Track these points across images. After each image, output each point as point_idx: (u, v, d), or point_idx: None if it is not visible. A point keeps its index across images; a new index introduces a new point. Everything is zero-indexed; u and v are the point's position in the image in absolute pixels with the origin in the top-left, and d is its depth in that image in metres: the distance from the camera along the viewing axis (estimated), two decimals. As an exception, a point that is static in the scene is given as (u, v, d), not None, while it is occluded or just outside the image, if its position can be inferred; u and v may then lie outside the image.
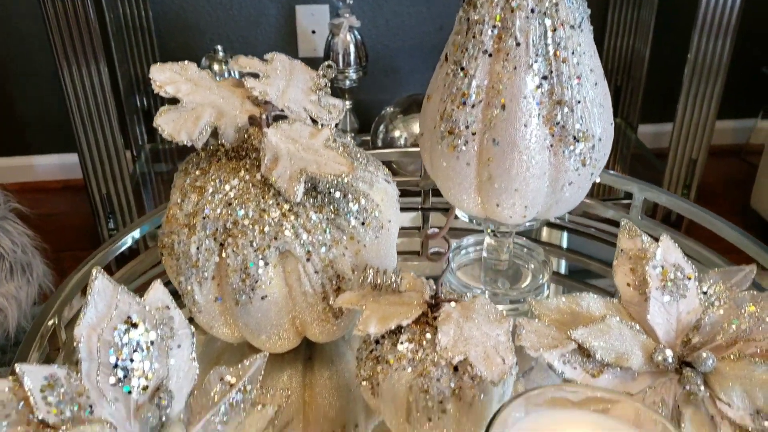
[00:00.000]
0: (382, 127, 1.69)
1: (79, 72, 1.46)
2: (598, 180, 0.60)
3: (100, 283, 0.46)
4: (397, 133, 1.68)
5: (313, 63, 0.59)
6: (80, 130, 1.51)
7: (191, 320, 0.55)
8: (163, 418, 0.47)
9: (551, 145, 0.54)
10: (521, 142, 0.53)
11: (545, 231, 0.80)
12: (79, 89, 1.48)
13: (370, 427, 0.57)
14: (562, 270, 0.74)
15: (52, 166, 2.02)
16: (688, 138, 1.66)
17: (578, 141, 0.54)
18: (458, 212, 0.64)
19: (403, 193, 0.82)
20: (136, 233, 0.70)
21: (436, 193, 0.83)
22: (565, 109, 0.53)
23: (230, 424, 0.50)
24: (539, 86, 0.53)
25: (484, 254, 0.69)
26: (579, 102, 0.53)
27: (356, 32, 1.69)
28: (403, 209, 0.83)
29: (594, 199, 0.75)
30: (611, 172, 0.73)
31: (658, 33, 1.87)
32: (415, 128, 1.59)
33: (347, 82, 1.71)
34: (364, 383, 0.50)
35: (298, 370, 0.62)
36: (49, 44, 1.43)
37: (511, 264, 0.69)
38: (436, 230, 0.45)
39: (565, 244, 0.78)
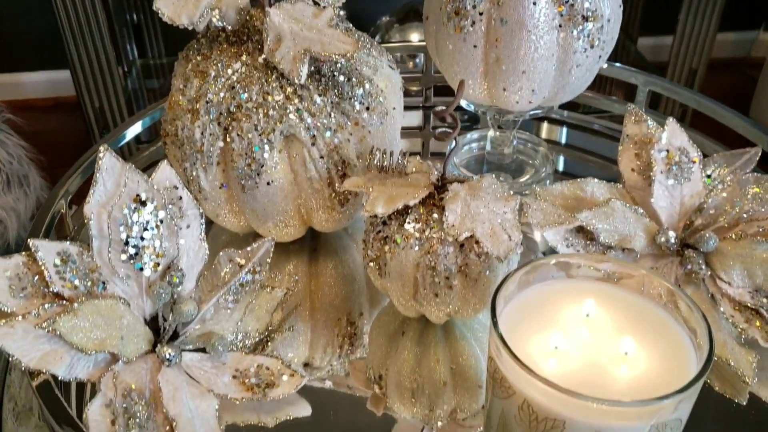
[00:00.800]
0: (377, 38, 1.66)
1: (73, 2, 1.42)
2: (605, 66, 0.59)
3: (108, 160, 0.45)
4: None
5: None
6: (71, 46, 1.48)
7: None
8: (175, 296, 0.48)
9: (560, 25, 0.53)
10: (530, 21, 0.52)
11: (546, 128, 0.79)
12: (69, 3, 1.44)
13: (374, 314, 0.58)
14: (563, 167, 0.75)
15: (41, 83, 1.99)
16: (688, 51, 1.64)
17: (587, 20, 0.53)
18: (463, 102, 0.64)
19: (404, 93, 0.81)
20: (138, 126, 0.70)
21: (439, 92, 0.83)
22: (574, -13, 0.52)
23: (240, 303, 0.50)
24: (548, -37, 0.51)
25: (488, 148, 0.69)
26: (588, -21, 0.52)
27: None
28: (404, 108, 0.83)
29: (598, 94, 0.75)
30: (616, 64, 0.73)
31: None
32: (413, 37, 1.56)
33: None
34: (371, 264, 0.51)
35: (304, 260, 0.63)
36: None
37: (514, 158, 0.69)
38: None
39: (564, 141, 0.78)
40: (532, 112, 0.62)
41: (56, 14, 1.44)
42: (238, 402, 0.47)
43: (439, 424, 0.49)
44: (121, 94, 1.56)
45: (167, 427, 0.44)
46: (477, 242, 0.47)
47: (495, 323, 0.38)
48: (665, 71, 1.67)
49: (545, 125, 0.79)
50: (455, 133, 0.47)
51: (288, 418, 0.49)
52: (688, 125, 0.71)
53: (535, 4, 0.52)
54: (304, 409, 0.50)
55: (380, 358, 0.54)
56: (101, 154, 0.45)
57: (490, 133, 0.67)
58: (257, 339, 0.52)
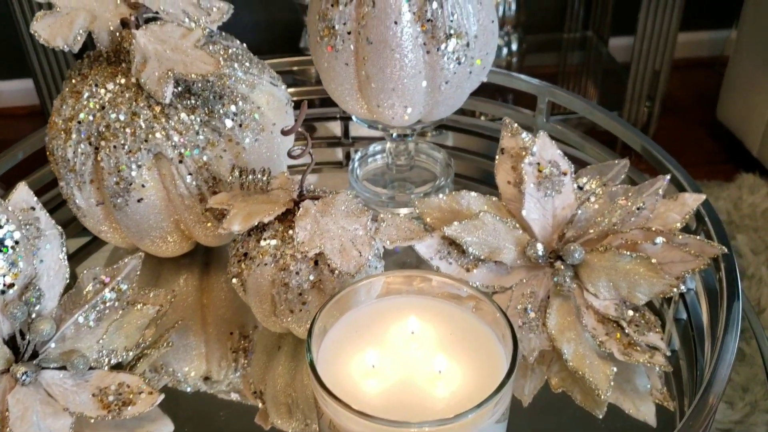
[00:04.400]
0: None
1: (30, 5, 1.43)
2: (485, 80, 0.60)
3: (-42, 184, 0.46)
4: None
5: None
6: (33, 57, 1.49)
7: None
8: (33, 315, 0.48)
9: (424, 43, 0.54)
10: (393, 39, 0.53)
11: (452, 136, 0.80)
12: (29, 16, 1.45)
13: (266, 331, 0.59)
14: (469, 174, 0.75)
15: (12, 92, 2.00)
16: (650, 51, 1.64)
17: (450, 38, 0.53)
18: (354, 118, 0.64)
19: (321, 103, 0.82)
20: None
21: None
22: (435, 5, 0.52)
23: (104, 321, 0.51)
24: (407, -19, 0.52)
25: (388, 160, 0.70)
26: (449, -3, 0.52)
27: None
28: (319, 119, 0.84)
29: (504, 104, 0.75)
30: (517, 75, 0.73)
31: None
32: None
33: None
34: (234, 280, 0.52)
35: (195, 274, 0.64)
36: None
37: (413, 168, 0.70)
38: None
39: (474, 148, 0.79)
40: (418, 126, 0.62)
41: (14, 23, 1.45)
42: (93, 420, 0.48)
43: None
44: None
45: (13, 446, 0.45)
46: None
47: (308, 346, 0.39)
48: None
49: (452, 133, 0.80)
50: (307, 149, 0.48)
51: (149, 433, 0.50)
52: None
53: (396, 23, 0.52)
54: (165, 426, 0.50)
55: (260, 373, 0.55)
56: (-49, 178, 0.46)
57: (388, 144, 0.67)
58: (126, 356, 0.52)
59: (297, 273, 0.48)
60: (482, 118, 0.89)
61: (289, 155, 0.48)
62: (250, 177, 0.51)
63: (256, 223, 0.49)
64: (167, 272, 0.63)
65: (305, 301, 0.49)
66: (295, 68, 0.85)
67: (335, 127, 0.84)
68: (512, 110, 0.75)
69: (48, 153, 0.58)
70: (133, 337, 0.53)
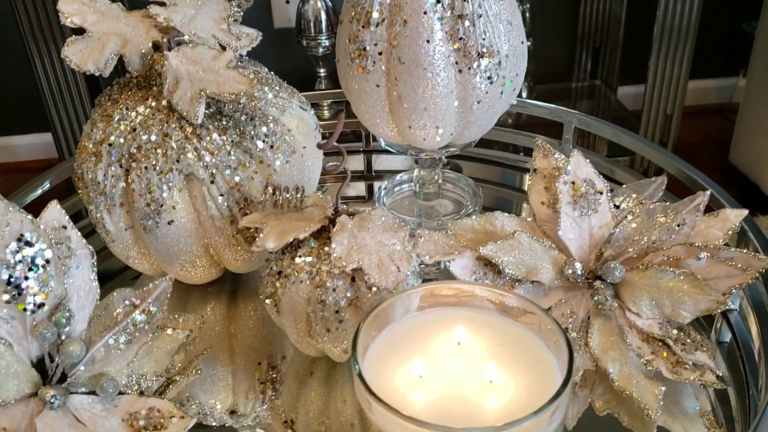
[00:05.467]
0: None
1: (49, 54, 1.46)
2: (514, 102, 0.60)
3: (-9, 201, 0.46)
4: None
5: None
6: (53, 111, 1.51)
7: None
8: (63, 336, 0.47)
9: (456, 62, 0.54)
10: (425, 58, 0.53)
11: (475, 167, 0.79)
12: (50, 71, 1.48)
13: (297, 357, 0.57)
14: (494, 204, 0.74)
15: (32, 145, 2.02)
16: (660, 99, 1.65)
17: (482, 57, 0.53)
18: (383, 143, 0.64)
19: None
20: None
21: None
22: (467, 23, 0.52)
23: (134, 345, 0.50)
24: (439, 1, 0.52)
25: (415, 188, 0.69)
26: (481, 16, 0.53)
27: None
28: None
29: (525, 133, 0.75)
30: (541, 103, 0.73)
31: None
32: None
33: (320, 50, 1.70)
34: (267, 301, 0.51)
35: (223, 302, 0.62)
36: (17, 25, 1.42)
37: (440, 196, 0.69)
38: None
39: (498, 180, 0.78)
40: (449, 150, 0.62)
41: (37, 80, 1.47)
42: (123, 445, 0.46)
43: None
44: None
45: (40, 471, 0.43)
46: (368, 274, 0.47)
47: (354, 357, 0.37)
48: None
49: (474, 165, 0.80)
50: (342, 164, 0.47)
51: (178, 460, 0.48)
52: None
53: (428, 42, 0.52)
54: (196, 451, 0.48)
55: (291, 401, 0.53)
56: (-17, 195, 0.45)
57: (416, 172, 0.67)
58: (155, 381, 0.51)
59: (334, 290, 0.47)
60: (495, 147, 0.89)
61: (324, 170, 0.47)
62: (284, 195, 0.50)
63: (291, 240, 0.48)
64: (194, 300, 0.62)
65: (342, 319, 0.47)
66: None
67: (358, 163, 0.84)
68: (535, 137, 0.75)
69: (76, 179, 0.57)
70: (163, 362, 0.51)
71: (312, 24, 1.68)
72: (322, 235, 0.49)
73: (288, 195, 0.50)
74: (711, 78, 2.09)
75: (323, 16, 1.69)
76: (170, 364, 0.52)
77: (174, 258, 0.56)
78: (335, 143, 0.46)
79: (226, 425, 0.52)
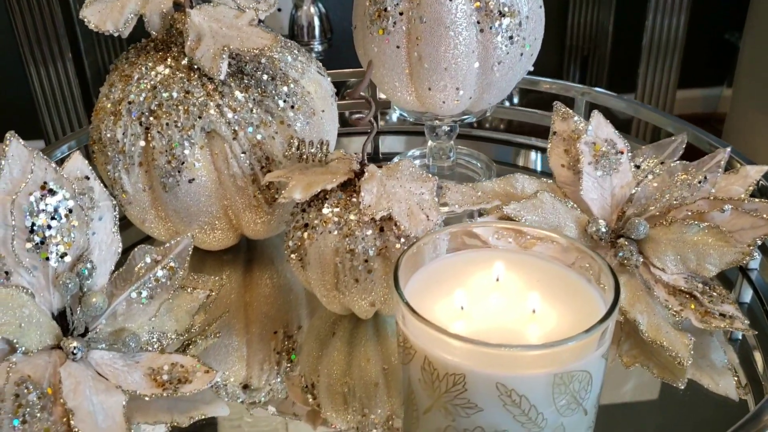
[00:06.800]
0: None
1: (46, 69, 1.45)
2: (531, 69, 0.60)
3: (15, 147, 0.45)
4: (362, 102, 1.67)
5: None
6: (47, 119, 1.50)
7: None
8: (84, 288, 0.46)
9: (478, 21, 0.54)
10: (447, 17, 0.53)
11: (491, 147, 0.79)
12: (45, 78, 1.47)
13: (318, 321, 0.56)
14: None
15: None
16: (650, 104, 1.68)
17: (504, 16, 0.54)
18: (397, 112, 0.64)
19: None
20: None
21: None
22: (489, -18, 0.53)
23: (155, 300, 0.49)
24: (461, -41, 0.52)
25: (429, 161, 0.69)
26: (503, -24, 0.53)
27: (320, 5, 1.69)
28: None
29: (531, 111, 0.76)
30: (550, 80, 0.74)
31: (621, 5, 1.88)
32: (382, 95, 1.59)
33: (314, 55, 1.71)
34: (292, 256, 0.50)
35: (239, 271, 0.61)
36: (12, 32, 1.41)
37: (454, 170, 0.69)
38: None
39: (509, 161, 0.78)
40: (464, 118, 0.62)
41: (33, 94, 1.46)
42: (148, 398, 0.44)
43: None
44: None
45: (65, 420, 0.41)
46: (396, 224, 0.46)
47: (395, 280, 0.37)
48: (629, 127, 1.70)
49: (490, 145, 0.80)
50: (370, 113, 0.47)
51: (203, 417, 0.47)
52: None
53: (451, 0, 0.53)
54: (221, 409, 0.47)
55: (312, 364, 0.52)
56: (7, 141, 0.45)
57: (429, 143, 0.67)
58: (175, 341, 0.50)
59: (363, 239, 0.46)
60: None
61: (351, 121, 0.47)
62: (309, 149, 0.50)
63: (318, 191, 0.47)
64: (210, 268, 0.61)
65: (371, 268, 0.47)
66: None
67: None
68: (542, 115, 0.75)
69: (91, 142, 0.56)
70: (184, 322, 0.50)
71: (305, 30, 1.69)
72: (348, 187, 0.48)
73: (313, 149, 0.50)
74: (696, 88, 2.13)
75: (317, 22, 1.69)
76: (190, 324, 0.51)
77: (193, 219, 0.55)
78: (362, 93, 0.46)
79: (239, 401, 0.50)
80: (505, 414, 0.34)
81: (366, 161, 0.49)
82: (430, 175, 0.48)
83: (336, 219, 0.47)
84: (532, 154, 0.77)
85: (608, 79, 1.99)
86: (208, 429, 0.47)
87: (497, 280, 0.40)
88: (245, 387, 0.52)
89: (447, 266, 0.41)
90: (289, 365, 0.53)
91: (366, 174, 0.47)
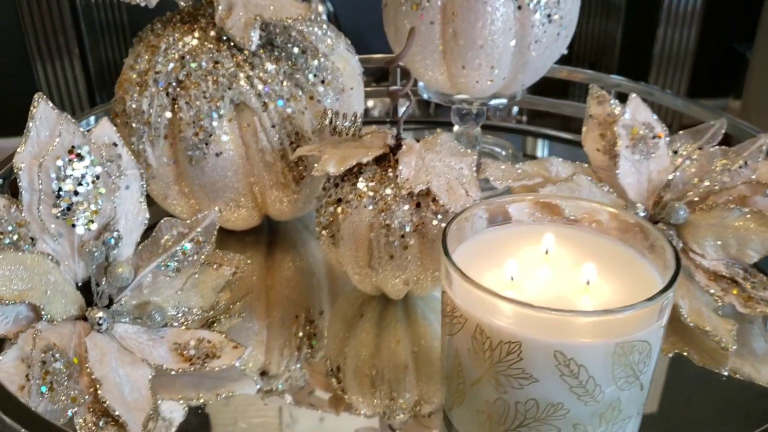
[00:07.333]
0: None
1: (52, 64, 1.43)
2: (565, 52, 0.59)
3: (43, 109, 0.43)
4: (370, 103, 1.67)
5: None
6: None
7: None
8: (110, 259, 0.44)
9: (515, -2, 0.53)
10: (485, -8, 0.52)
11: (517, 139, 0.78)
12: (52, 81, 1.45)
13: (336, 314, 0.54)
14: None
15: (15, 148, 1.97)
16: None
17: (542, -7, 0.53)
18: (425, 95, 0.62)
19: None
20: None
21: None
22: (528, -43, 0.52)
23: (182, 274, 0.47)
24: (501, -67, 0.51)
25: (453, 149, 0.67)
26: (542, -49, 0.52)
27: (329, 3, 1.68)
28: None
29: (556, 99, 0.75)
30: (582, 70, 0.73)
31: (630, 15, 1.88)
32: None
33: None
34: (324, 233, 0.48)
35: (260, 253, 0.60)
36: (21, 38, 1.40)
37: (481, 157, 0.67)
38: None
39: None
40: (494, 102, 0.61)
41: (36, 81, 1.45)
42: (174, 372, 0.43)
43: (401, 416, 0.44)
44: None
45: (92, 390, 0.39)
46: (434, 200, 0.45)
47: (445, 248, 0.35)
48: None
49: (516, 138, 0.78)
50: (408, 86, 0.45)
51: (230, 394, 0.45)
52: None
53: (489, -27, 0.51)
54: (248, 387, 0.45)
55: (338, 346, 0.50)
56: (35, 102, 0.43)
57: (455, 128, 0.65)
58: (199, 317, 0.48)
59: (399, 214, 0.45)
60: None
61: (389, 93, 0.46)
62: (343, 122, 0.48)
63: (353, 164, 0.46)
64: (231, 250, 0.59)
65: (407, 245, 0.45)
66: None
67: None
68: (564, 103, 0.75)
69: (113, 115, 0.55)
70: (209, 298, 0.49)
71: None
72: (383, 162, 0.47)
73: (347, 123, 0.48)
74: (703, 98, 2.12)
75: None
76: (215, 301, 0.49)
77: (218, 195, 0.53)
78: (401, 63, 0.45)
79: (256, 388, 0.48)
80: (562, 385, 0.32)
81: (402, 136, 0.47)
82: (469, 151, 0.46)
83: (371, 193, 0.45)
84: (557, 146, 0.76)
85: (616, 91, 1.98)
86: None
87: (546, 252, 0.38)
88: (263, 373, 0.50)
89: (493, 238, 0.40)
90: (309, 351, 0.51)
91: (404, 147, 0.45)
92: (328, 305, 0.55)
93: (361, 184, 0.46)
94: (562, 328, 0.32)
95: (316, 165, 0.47)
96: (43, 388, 0.37)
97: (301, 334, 0.52)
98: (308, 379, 0.48)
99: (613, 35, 1.93)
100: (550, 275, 0.37)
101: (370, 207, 0.45)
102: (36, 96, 0.43)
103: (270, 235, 0.61)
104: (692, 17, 1.56)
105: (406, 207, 0.45)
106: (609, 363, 0.32)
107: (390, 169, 0.46)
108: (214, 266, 0.50)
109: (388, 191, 0.45)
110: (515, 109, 1.36)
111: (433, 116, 1.13)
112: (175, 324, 0.46)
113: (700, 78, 1.63)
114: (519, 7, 0.53)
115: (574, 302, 0.35)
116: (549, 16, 0.53)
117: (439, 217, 0.45)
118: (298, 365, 0.49)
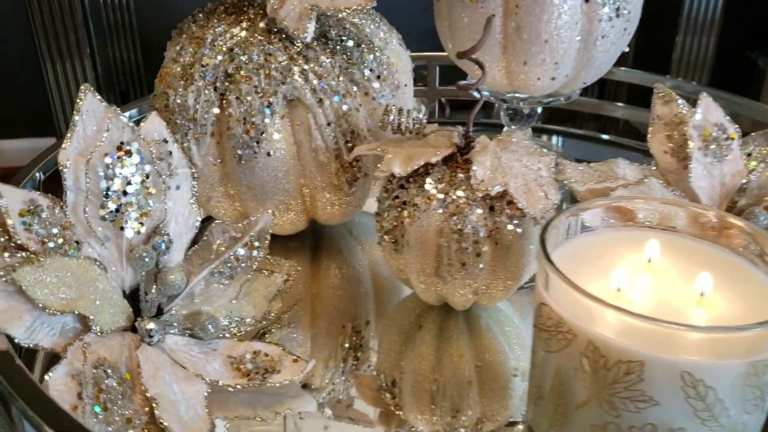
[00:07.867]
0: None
1: (63, 65, 1.40)
2: (626, 49, 0.56)
3: (90, 102, 0.40)
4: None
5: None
6: (60, 116, 1.46)
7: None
8: (160, 265, 0.41)
9: (583, -10, 0.50)
10: (552, -17, 0.49)
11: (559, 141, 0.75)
12: (62, 82, 1.42)
13: (390, 324, 0.51)
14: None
15: (25, 150, 1.94)
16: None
17: (612, -15, 0.50)
18: (478, 93, 0.59)
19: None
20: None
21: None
22: (598, -53, 0.49)
23: (235, 282, 0.44)
24: None
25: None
26: (612, -59, 0.49)
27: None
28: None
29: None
30: (631, 69, 0.70)
31: (646, 22, 1.86)
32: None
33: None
34: (386, 238, 0.45)
35: (305, 260, 0.56)
36: (31, 39, 1.37)
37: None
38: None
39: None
40: (549, 101, 0.58)
41: (48, 92, 1.42)
42: (232, 389, 0.39)
43: (462, 432, 0.41)
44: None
45: (146, 409, 0.36)
46: (508, 203, 0.42)
47: (546, 255, 0.32)
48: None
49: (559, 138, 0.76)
50: (481, 80, 0.42)
51: (289, 412, 0.41)
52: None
53: (557, -36, 0.48)
54: (308, 404, 0.42)
55: (393, 359, 0.47)
56: (82, 94, 0.40)
57: (504, 130, 0.62)
58: (252, 327, 0.45)
59: (473, 217, 0.41)
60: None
61: (459, 87, 0.42)
62: (408, 119, 0.45)
63: (420, 164, 0.42)
64: (275, 255, 0.56)
65: (480, 251, 0.42)
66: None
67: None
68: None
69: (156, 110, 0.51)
70: (261, 307, 0.45)
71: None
72: (450, 162, 0.44)
73: (412, 120, 0.45)
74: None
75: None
76: (267, 311, 0.46)
77: (268, 197, 0.50)
78: (476, 59, 0.41)
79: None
80: (685, 408, 0.29)
81: (472, 134, 0.44)
82: (545, 150, 0.43)
83: (441, 196, 0.42)
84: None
85: (627, 95, 1.96)
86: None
87: (649, 261, 0.35)
88: (304, 386, 0.46)
89: (588, 245, 0.36)
90: (355, 363, 0.48)
91: (477, 145, 0.42)
92: (379, 315, 0.52)
93: (429, 186, 0.42)
94: (688, 346, 0.28)
95: (379, 165, 0.43)
96: (97, 408, 0.34)
97: (348, 345, 0.49)
98: (354, 394, 0.45)
99: (631, 42, 1.91)
100: (656, 285, 0.34)
101: (440, 210, 0.42)
102: (82, 87, 0.40)
103: (314, 240, 0.58)
104: (711, 25, 1.55)
105: (480, 211, 0.42)
106: (739, 384, 0.29)
107: (459, 170, 0.43)
108: (266, 273, 0.46)
109: (460, 193, 0.42)
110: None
111: (447, 117, 1.10)
112: (227, 335, 0.43)
113: (717, 86, 1.61)
114: (587, 1, 0.50)
115: (687, 316, 0.32)
116: (618, 9, 0.50)
117: (515, 221, 0.42)
118: (343, 378, 0.46)
